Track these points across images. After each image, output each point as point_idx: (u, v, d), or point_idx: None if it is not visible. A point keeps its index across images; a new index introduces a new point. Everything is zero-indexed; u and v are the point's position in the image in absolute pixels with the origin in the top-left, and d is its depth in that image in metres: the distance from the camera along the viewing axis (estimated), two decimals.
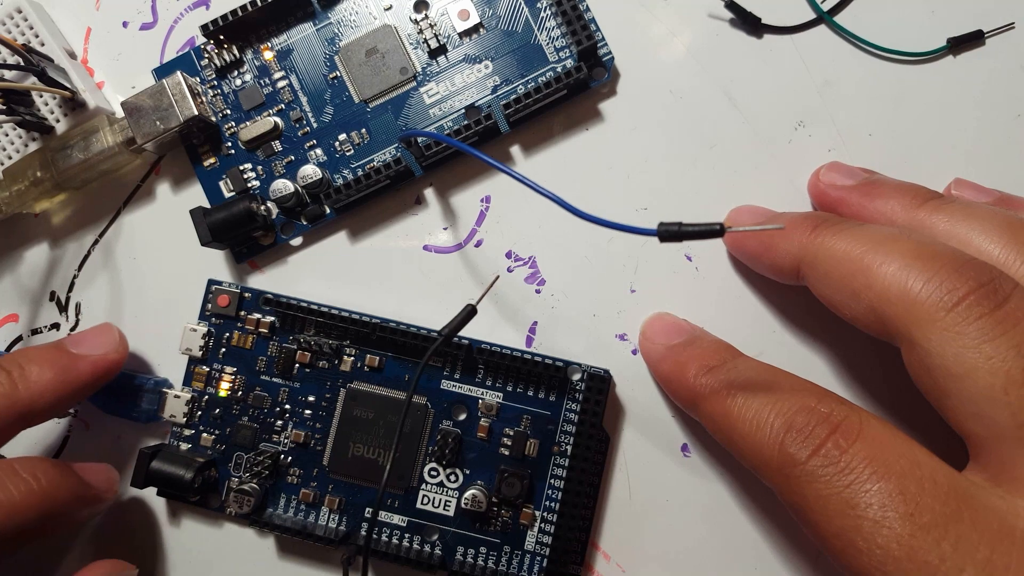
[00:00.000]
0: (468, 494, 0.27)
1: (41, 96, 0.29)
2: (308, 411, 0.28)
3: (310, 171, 0.28)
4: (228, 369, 0.29)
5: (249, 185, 0.29)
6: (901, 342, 0.20)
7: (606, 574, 0.28)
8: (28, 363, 0.26)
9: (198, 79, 0.29)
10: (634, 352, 0.28)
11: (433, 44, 0.29)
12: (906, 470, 0.18)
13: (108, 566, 0.27)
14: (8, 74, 0.28)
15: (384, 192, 0.29)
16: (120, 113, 0.29)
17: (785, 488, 0.20)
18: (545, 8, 0.28)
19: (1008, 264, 0.20)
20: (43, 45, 0.29)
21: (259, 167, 0.29)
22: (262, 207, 0.29)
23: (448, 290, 0.29)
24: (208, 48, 0.29)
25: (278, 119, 0.29)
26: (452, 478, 0.27)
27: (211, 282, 0.29)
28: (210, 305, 0.29)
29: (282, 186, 0.28)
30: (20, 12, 0.29)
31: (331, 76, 0.29)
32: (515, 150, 0.29)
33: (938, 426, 0.21)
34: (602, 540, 0.28)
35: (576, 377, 0.27)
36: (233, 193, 0.30)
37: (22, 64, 0.27)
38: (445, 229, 0.29)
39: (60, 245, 0.31)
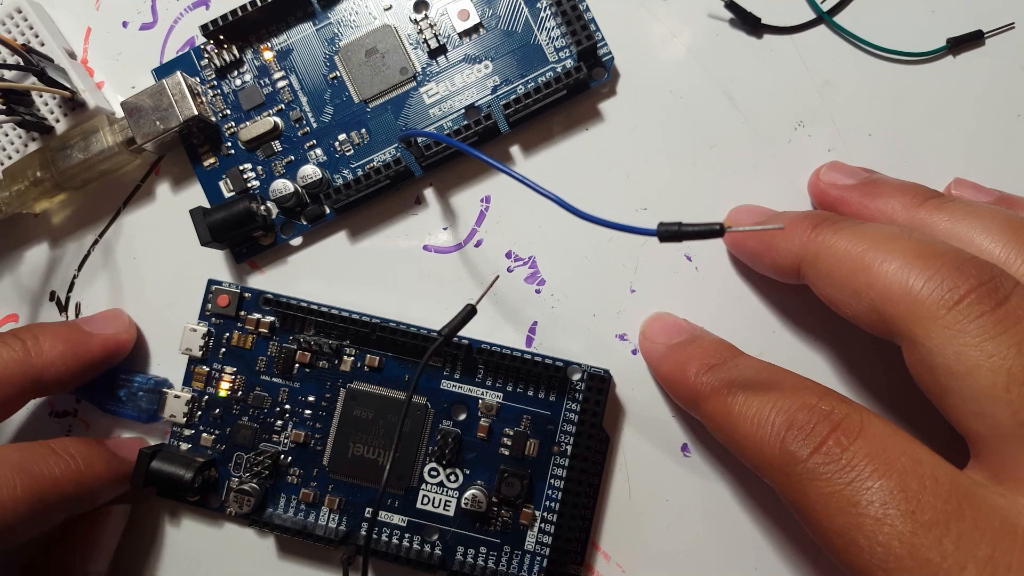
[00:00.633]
0: (468, 494, 0.27)
1: (41, 96, 0.29)
2: (308, 411, 0.28)
3: (310, 171, 0.28)
4: (228, 369, 0.29)
5: (249, 185, 0.29)
6: (902, 341, 0.20)
7: (606, 574, 0.28)
8: (42, 334, 0.27)
9: (198, 79, 0.29)
10: (634, 352, 0.28)
11: (433, 44, 0.29)
12: (907, 468, 0.18)
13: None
14: (8, 74, 0.28)
15: (384, 192, 0.29)
16: (120, 113, 0.29)
17: (786, 486, 0.20)
18: (545, 8, 0.28)
19: (1009, 263, 0.20)
20: (43, 45, 0.29)
21: (259, 167, 0.29)
22: (262, 207, 0.29)
23: (448, 290, 0.29)
24: (208, 48, 0.29)
25: (278, 119, 0.29)
26: (452, 478, 0.27)
27: (211, 282, 0.29)
28: (210, 305, 0.29)
29: (282, 186, 0.28)
30: (20, 12, 0.29)
31: (331, 76, 0.29)
32: (515, 150, 0.29)
33: (939, 425, 0.21)
34: (602, 540, 0.28)
35: (576, 377, 0.27)
36: (233, 193, 0.30)
37: (22, 64, 0.27)
38: (445, 229, 0.29)
39: (60, 245, 0.31)
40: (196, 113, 0.28)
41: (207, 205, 0.29)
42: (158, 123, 0.28)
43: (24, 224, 0.31)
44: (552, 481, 0.27)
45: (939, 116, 0.28)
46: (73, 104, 0.29)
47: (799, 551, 0.27)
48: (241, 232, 0.28)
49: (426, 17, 0.29)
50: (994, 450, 0.18)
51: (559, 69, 0.28)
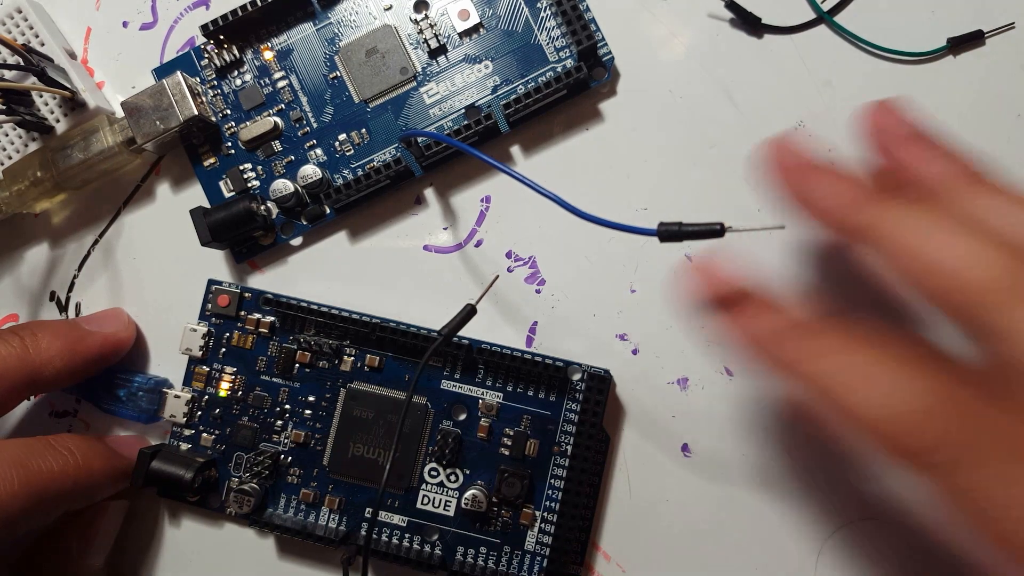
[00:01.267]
0: (468, 494, 0.27)
1: (41, 96, 0.29)
2: (308, 411, 0.28)
3: (310, 171, 0.28)
4: (228, 369, 0.29)
5: (249, 185, 0.29)
6: (980, 335, 0.18)
7: (606, 574, 0.28)
8: (40, 331, 0.27)
9: (198, 79, 0.29)
10: (634, 352, 0.28)
11: (433, 44, 0.29)
12: None
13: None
14: (8, 74, 0.28)
15: (384, 192, 0.29)
16: (120, 113, 0.29)
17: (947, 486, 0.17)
18: (545, 8, 0.28)
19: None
20: (43, 45, 0.29)
21: (259, 167, 0.29)
22: (262, 207, 0.29)
23: (448, 290, 0.29)
24: (208, 48, 0.29)
25: (278, 119, 0.29)
26: (452, 478, 0.27)
27: (211, 282, 0.29)
28: (210, 305, 0.29)
29: (282, 186, 0.28)
30: (20, 12, 0.29)
31: (331, 76, 0.29)
32: (515, 150, 0.29)
33: None
34: (602, 540, 0.28)
35: (576, 377, 0.27)
36: (233, 193, 0.30)
37: (22, 64, 0.27)
38: (445, 229, 0.29)
39: (60, 245, 0.31)
40: (196, 113, 0.28)
41: (207, 205, 0.29)
42: (158, 123, 0.28)
43: (24, 224, 0.31)
44: (552, 481, 0.27)
45: (939, 116, 0.28)
46: (73, 104, 0.29)
47: (799, 551, 0.27)
48: (241, 232, 0.28)
49: (426, 17, 0.29)
50: None
51: (559, 69, 0.28)
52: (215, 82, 0.30)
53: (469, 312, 0.24)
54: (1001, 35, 0.28)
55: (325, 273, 0.30)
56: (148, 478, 0.27)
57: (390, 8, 0.29)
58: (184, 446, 0.29)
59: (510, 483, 0.27)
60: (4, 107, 0.27)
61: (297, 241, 0.30)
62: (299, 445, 0.28)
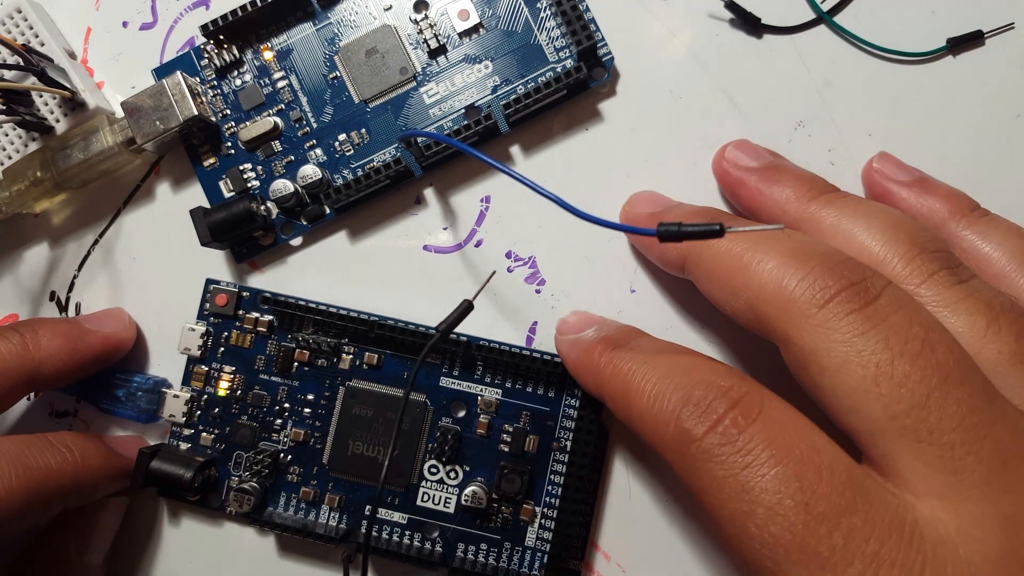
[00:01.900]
0: (468, 491, 0.27)
1: (41, 96, 0.29)
2: (307, 409, 0.28)
3: (310, 171, 0.28)
4: (227, 368, 0.29)
5: (249, 185, 0.29)
6: (778, 340, 0.20)
7: (606, 574, 0.28)
8: (40, 328, 0.27)
9: (198, 79, 0.29)
10: None
11: (433, 44, 0.29)
12: (805, 456, 0.18)
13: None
14: (8, 74, 0.28)
15: (384, 192, 0.29)
16: (120, 113, 0.29)
17: (680, 466, 0.19)
18: (545, 8, 0.28)
19: (886, 261, 0.21)
20: (43, 45, 0.29)
21: (259, 167, 0.29)
22: (262, 207, 0.29)
23: (448, 290, 0.29)
24: (208, 48, 0.29)
25: (278, 119, 0.29)
26: (452, 475, 0.28)
27: (209, 281, 0.29)
28: (208, 304, 0.29)
29: (282, 186, 0.28)
30: (20, 12, 0.29)
31: (331, 76, 0.29)
32: (515, 150, 0.29)
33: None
34: (602, 540, 0.28)
35: None
36: (233, 193, 0.30)
37: (22, 64, 0.27)
38: (445, 229, 0.29)
39: (60, 245, 0.31)
40: (196, 113, 0.28)
41: (207, 205, 0.29)
42: (158, 123, 0.28)
43: (24, 224, 0.31)
44: (552, 477, 0.27)
45: (939, 116, 0.28)
46: (73, 104, 0.29)
47: None
48: (241, 232, 0.28)
49: (426, 17, 0.29)
50: (873, 446, 0.18)
51: (559, 69, 0.28)
52: (215, 82, 0.30)
53: (466, 308, 0.24)
54: (1001, 35, 0.28)
55: (325, 273, 0.30)
56: (148, 478, 0.27)
57: (390, 8, 0.29)
58: (183, 446, 0.29)
59: (510, 479, 0.27)
60: (4, 107, 0.27)
61: (297, 241, 0.30)
62: (299, 443, 0.28)
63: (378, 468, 0.27)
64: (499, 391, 0.28)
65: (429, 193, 0.30)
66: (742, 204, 0.26)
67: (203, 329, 0.29)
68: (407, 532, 0.28)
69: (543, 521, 0.27)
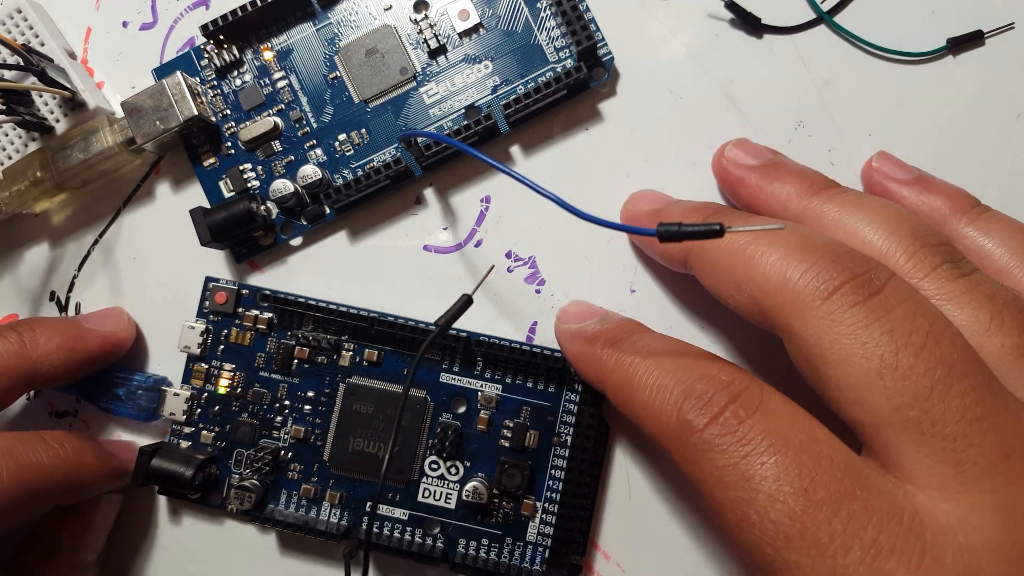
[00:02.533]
0: (469, 486, 0.27)
1: (41, 96, 0.29)
2: (308, 406, 0.28)
3: (310, 171, 0.28)
4: (227, 366, 0.29)
5: (249, 185, 0.29)
6: (781, 332, 0.20)
7: (606, 574, 0.28)
8: (39, 327, 0.27)
9: (198, 79, 0.29)
10: None
11: (433, 44, 0.29)
12: (804, 445, 0.18)
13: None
14: (8, 74, 0.28)
15: (384, 192, 0.29)
16: (120, 113, 0.29)
17: (682, 457, 0.20)
18: (545, 8, 0.28)
19: (889, 255, 0.21)
20: (43, 45, 0.29)
21: (259, 167, 0.29)
22: (262, 207, 0.29)
23: (448, 290, 0.29)
24: (208, 48, 0.29)
25: (278, 119, 0.29)
26: (453, 471, 0.28)
27: (208, 279, 0.29)
28: (208, 302, 0.29)
29: (282, 186, 0.28)
30: (20, 12, 0.29)
31: (331, 76, 0.29)
32: (515, 150, 0.29)
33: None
34: (602, 539, 0.28)
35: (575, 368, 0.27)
36: (233, 193, 0.30)
37: (22, 64, 0.27)
38: (445, 229, 0.30)
39: (60, 245, 0.31)
40: (196, 113, 0.28)
41: (207, 205, 0.30)
42: (158, 123, 0.28)
43: (24, 224, 0.31)
44: (553, 472, 0.27)
45: (939, 116, 0.28)
46: (73, 104, 0.29)
47: None
48: (241, 232, 0.28)
49: (426, 17, 0.29)
50: (876, 438, 0.18)
51: (559, 69, 0.28)
52: (215, 82, 0.30)
53: (466, 302, 0.24)
54: (1001, 35, 0.28)
55: (325, 273, 0.30)
56: (148, 476, 0.27)
57: (390, 8, 0.29)
58: (184, 444, 0.29)
59: (511, 475, 0.27)
60: (4, 107, 0.27)
61: (297, 241, 0.30)
62: (299, 441, 0.28)
63: (379, 464, 0.28)
64: (499, 386, 0.28)
65: (429, 193, 0.30)
66: (743, 202, 0.26)
67: (203, 327, 0.29)
68: (408, 528, 0.28)
69: (544, 516, 0.27)
